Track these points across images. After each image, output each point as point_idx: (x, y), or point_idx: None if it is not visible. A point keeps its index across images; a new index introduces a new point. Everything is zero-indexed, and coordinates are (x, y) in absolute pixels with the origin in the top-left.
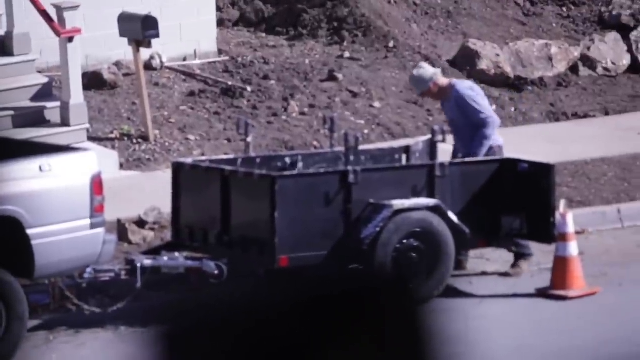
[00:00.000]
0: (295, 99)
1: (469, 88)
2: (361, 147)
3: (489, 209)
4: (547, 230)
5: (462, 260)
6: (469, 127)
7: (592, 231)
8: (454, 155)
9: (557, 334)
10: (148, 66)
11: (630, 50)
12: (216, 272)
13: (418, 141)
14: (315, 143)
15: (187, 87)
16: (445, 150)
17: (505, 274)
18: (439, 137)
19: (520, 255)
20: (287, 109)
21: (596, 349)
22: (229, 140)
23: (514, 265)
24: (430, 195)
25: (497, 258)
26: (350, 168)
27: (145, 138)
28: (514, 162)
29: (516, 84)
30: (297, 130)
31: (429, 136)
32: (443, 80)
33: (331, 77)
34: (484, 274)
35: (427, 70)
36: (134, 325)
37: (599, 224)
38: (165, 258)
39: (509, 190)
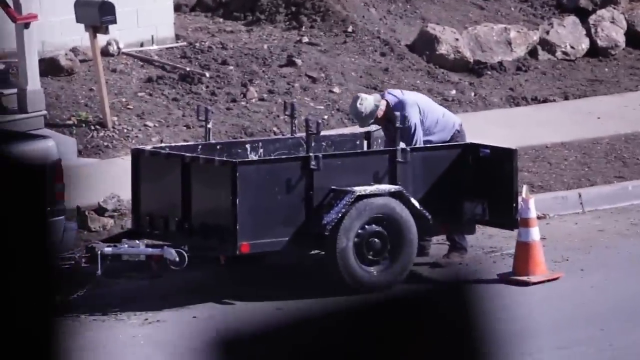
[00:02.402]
0: (254, 84)
1: (417, 114)
2: (322, 133)
3: (451, 194)
4: (509, 215)
5: (425, 245)
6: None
7: (553, 216)
8: None
9: (520, 318)
10: (105, 52)
11: (589, 34)
12: (177, 259)
13: (378, 128)
14: (274, 129)
15: (144, 73)
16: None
17: (435, 264)
18: (399, 123)
19: (454, 247)
20: (246, 95)
21: (557, 333)
22: (187, 127)
23: (445, 256)
24: (392, 181)
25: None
26: (311, 154)
27: (103, 125)
28: (475, 148)
29: (475, 69)
30: (257, 116)
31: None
32: (383, 104)
33: (290, 63)
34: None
35: (369, 101)
36: (95, 313)
37: (560, 208)
38: (126, 245)
39: (470, 175)
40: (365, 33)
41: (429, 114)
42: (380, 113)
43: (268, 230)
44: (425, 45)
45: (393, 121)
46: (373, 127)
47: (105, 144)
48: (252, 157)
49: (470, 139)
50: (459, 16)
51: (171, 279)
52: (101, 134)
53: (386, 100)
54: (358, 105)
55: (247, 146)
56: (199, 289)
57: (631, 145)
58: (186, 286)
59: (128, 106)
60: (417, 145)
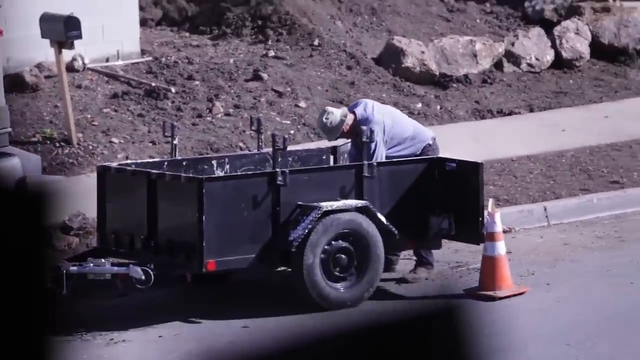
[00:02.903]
0: (220, 99)
1: (381, 133)
2: (288, 148)
3: (417, 209)
4: (475, 230)
5: (393, 260)
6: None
7: (518, 230)
8: None
9: (486, 334)
10: (70, 68)
11: (554, 46)
12: (143, 277)
13: (346, 142)
14: (241, 144)
15: (110, 88)
16: None
17: (401, 280)
18: (366, 137)
19: (421, 262)
20: (211, 110)
21: (524, 348)
22: (153, 143)
23: (412, 271)
24: (359, 196)
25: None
26: (278, 170)
27: (68, 141)
28: (441, 162)
29: (441, 81)
30: (223, 131)
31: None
32: (350, 118)
33: (256, 77)
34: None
35: (335, 115)
36: (59, 333)
37: (525, 222)
38: (91, 264)
39: (437, 190)
40: (331, 46)
41: (398, 127)
42: (346, 127)
43: (234, 247)
44: (391, 58)
45: (360, 135)
46: (340, 142)
47: (71, 160)
48: (219, 173)
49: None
50: (425, 29)
51: (137, 298)
52: (66, 150)
53: (354, 114)
54: (324, 119)
55: (214, 162)
56: (165, 308)
57: (596, 157)
58: (152, 305)
59: (93, 122)
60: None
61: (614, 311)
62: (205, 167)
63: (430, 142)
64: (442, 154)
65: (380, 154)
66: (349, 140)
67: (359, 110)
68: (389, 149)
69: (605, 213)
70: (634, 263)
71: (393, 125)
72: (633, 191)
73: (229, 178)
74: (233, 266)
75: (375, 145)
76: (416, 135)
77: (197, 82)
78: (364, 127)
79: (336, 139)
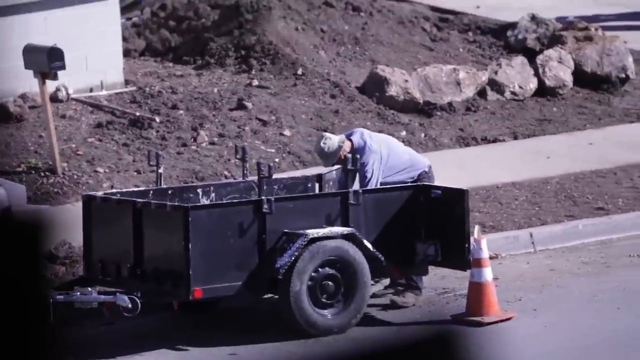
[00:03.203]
0: (205, 128)
1: (378, 162)
2: (274, 176)
3: (403, 236)
4: (461, 256)
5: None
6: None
7: (505, 256)
8: None
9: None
10: (54, 98)
11: (537, 74)
12: (130, 305)
13: (331, 169)
14: (226, 173)
15: (94, 118)
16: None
17: (390, 304)
18: (351, 165)
19: (410, 286)
20: (196, 139)
21: None
22: (138, 172)
23: (401, 294)
24: (345, 223)
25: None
26: (263, 198)
27: (53, 171)
28: (427, 189)
29: (425, 110)
30: (207, 160)
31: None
32: (347, 145)
33: (240, 106)
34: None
35: (333, 141)
36: None
37: (511, 248)
38: (78, 293)
39: (423, 216)
40: (315, 75)
41: (394, 157)
42: (343, 153)
43: (221, 274)
44: (375, 87)
45: (347, 163)
46: (324, 170)
47: (56, 190)
48: (204, 201)
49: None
50: (408, 57)
51: (124, 326)
52: (51, 180)
53: (351, 141)
54: (322, 144)
55: (199, 190)
56: (153, 335)
57: (580, 184)
58: (140, 333)
59: (78, 152)
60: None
61: (601, 337)
62: (191, 195)
63: (426, 170)
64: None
65: (375, 185)
66: (337, 167)
67: (355, 138)
68: (385, 177)
69: (590, 239)
70: (620, 289)
71: (389, 155)
72: (618, 217)
73: (215, 206)
74: (220, 294)
75: (372, 175)
76: (413, 163)
77: (181, 112)
78: (349, 155)
79: (333, 164)
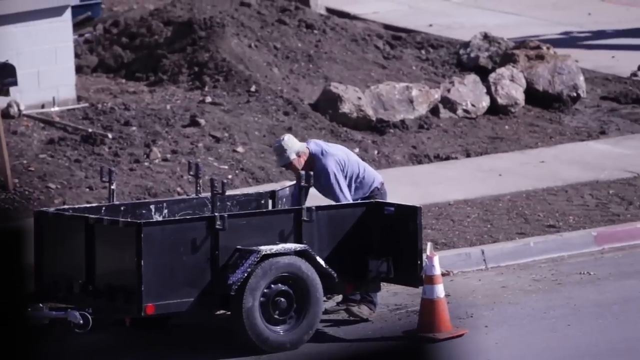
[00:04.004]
0: (158, 145)
1: (336, 162)
2: (227, 193)
3: (356, 252)
4: (414, 273)
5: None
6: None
7: (457, 273)
8: None
9: None
10: (5, 114)
11: (489, 92)
12: (81, 322)
13: (284, 186)
14: (178, 189)
15: (46, 134)
16: (312, 195)
17: (347, 312)
18: (305, 182)
19: (366, 300)
20: (149, 155)
21: None
22: (90, 188)
23: (357, 305)
24: (298, 240)
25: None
26: (217, 214)
27: (4, 187)
28: (380, 206)
29: (378, 127)
30: (160, 176)
31: (294, 182)
32: (307, 153)
33: (193, 122)
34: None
35: (293, 141)
36: None
37: (463, 265)
38: (29, 309)
39: (375, 233)
40: (268, 92)
41: (349, 168)
42: (303, 157)
43: (174, 291)
44: (328, 104)
45: (299, 179)
46: (278, 187)
47: (7, 206)
48: (157, 217)
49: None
50: (361, 75)
51: (76, 343)
52: (2, 196)
53: (308, 149)
54: (282, 141)
55: (152, 207)
56: (104, 352)
57: (532, 201)
58: (91, 350)
59: (30, 168)
60: (345, 196)
61: (551, 354)
62: (144, 212)
63: (379, 186)
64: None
65: (342, 187)
66: (291, 183)
67: (311, 146)
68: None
69: (542, 256)
70: (570, 306)
71: (347, 160)
72: (569, 235)
73: (168, 222)
74: (172, 310)
75: (336, 181)
76: (366, 175)
77: (134, 128)
78: (303, 172)
79: (285, 167)
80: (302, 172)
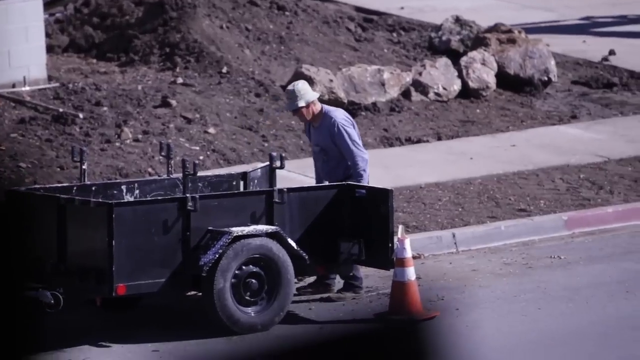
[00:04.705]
0: (129, 125)
1: (344, 118)
2: (198, 174)
3: (328, 234)
4: (385, 256)
5: (330, 284)
6: (337, 157)
7: (428, 256)
8: (318, 180)
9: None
10: None
11: (460, 76)
12: (52, 301)
13: (256, 168)
14: (150, 170)
15: (17, 114)
16: (283, 177)
17: (327, 299)
18: (277, 163)
19: (350, 286)
20: (120, 136)
21: None
22: (61, 168)
23: (339, 291)
24: (269, 221)
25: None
26: (188, 195)
27: None
28: (351, 188)
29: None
30: (131, 157)
31: (267, 163)
32: (318, 105)
33: (165, 103)
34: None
35: (307, 90)
36: None
37: (434, 248)
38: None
39: (347, 216)
40: (239, 74)
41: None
42: (313, 108)
43: (145, 271)
44: None
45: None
46: (250, 168)
47: None
48: (128, 198)
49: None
50: (332, 57)
51: (47, 322)
52: None
53: (322, 106)
54: (296, 86)
55: (123, 187)
56: (75, 332)
57: (503, 185)
58: (62, 329)
59: (0, 148)
60: (358, 148)
61: (522, 337)
62: (115, 192)
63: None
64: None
65: (356, 143)
66: (263, 164)
67: (324, 106)
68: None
69: (512, 240)
70: (540, 289)
71: (354, 124)
72: (540, 219)
73: (139, 203)
74: (143, 290)
75: (349, 135)
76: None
77: (105, 108)
78: (327, 118)
79: (294, 111)
80: (274, 153)
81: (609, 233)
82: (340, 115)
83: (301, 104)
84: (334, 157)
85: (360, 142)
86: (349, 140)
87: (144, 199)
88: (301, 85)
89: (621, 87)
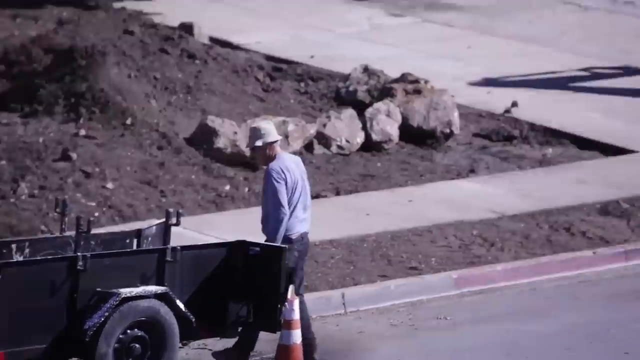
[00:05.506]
0: (26, 180)
1: (279, 172)
2: (93, 231)
3: (218, 295)
4: (273, 318)
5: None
6: (266, 205)
7: (315, 317)
8: None
9: None
10: None
11: (364, 128)
12: None
13: (151, 225)
14: (43, 227)
15: None
16: (179, 234)
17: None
18: (173, 220)
19: (241, 347)
20: (16, 191)
21: None
22: None
23: (228, 350)
24: (160, 281)
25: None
26: (79, 254)
27: None
28: (245, 246)
29: (251, 163)
30: (25, 214)
31: (162, 219)
32: (275, 150)
33: (65, 157)
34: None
35: (269, 131)
36: None
37: (322, 310)
38: None
39: (239, 275)
40: (143, 125)
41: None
42: (269, 151)
43: (28, 337)
44: (204, 138)
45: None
46: (145, 225)
47: None
48: (18, 257)
49: (241, 236)
50: (239, 108)
51: None
52: None
53: (276, 148)
54: (261, 124)
55: (13, 246)
56: None
57: (397, 242)
58: None
59: None
60: (274, 210)
61: None
62: (4, 251)
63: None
64: (248, 237)
65: (277, 206)
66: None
67: (281, 153)
68: None
69: (401, 300)
70: (423, 353)
71: (292, 176)
72: (429, 277)
73: (27, 263)
74: (24, 357)
75: (274, 190)
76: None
77: (3, 162)
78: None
79: (253, 149)
80: (171, 210)
81: (497, 292)
82: (277, 166)
83: (258, 143)
84: (264, 204)
85: (284, 201)
86: (270, 195)
87: (32, 258)
88: (264, 125)
89: (521, 140)
